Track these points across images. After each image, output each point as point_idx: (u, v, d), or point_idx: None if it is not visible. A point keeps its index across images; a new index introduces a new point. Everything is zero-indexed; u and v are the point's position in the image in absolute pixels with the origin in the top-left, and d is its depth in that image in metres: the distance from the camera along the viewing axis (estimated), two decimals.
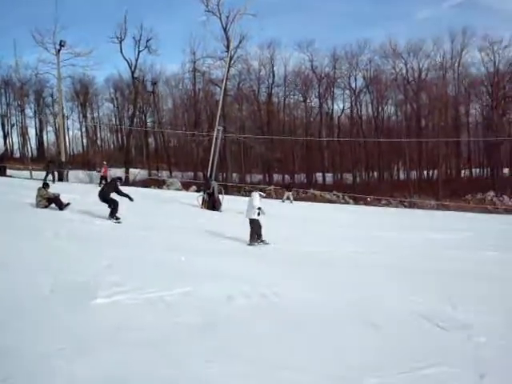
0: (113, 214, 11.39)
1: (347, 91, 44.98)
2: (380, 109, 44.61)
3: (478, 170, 45.42)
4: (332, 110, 45.55)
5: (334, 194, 39.40)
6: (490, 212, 33.84)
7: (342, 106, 46.09)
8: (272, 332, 4.49)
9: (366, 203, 36.10)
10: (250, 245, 10.04)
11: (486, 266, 10.28)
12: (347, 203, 36.73)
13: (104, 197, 11.60)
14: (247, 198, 11.70)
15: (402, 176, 44.10)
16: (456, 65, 43.08)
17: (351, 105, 44.90)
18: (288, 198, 25.24)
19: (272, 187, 39.63)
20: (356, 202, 36.81)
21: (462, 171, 44.74)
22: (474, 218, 25.52)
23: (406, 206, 37.59)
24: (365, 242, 12.18)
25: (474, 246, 13.54)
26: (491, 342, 4.63)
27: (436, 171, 42.49)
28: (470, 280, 8.19)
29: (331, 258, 9.53)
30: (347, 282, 7.03)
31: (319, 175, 44.28)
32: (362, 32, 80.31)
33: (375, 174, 44.76)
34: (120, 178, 13.01)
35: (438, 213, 30.31)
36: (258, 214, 10.27)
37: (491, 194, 39.93)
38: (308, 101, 45.24)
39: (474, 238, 16.05)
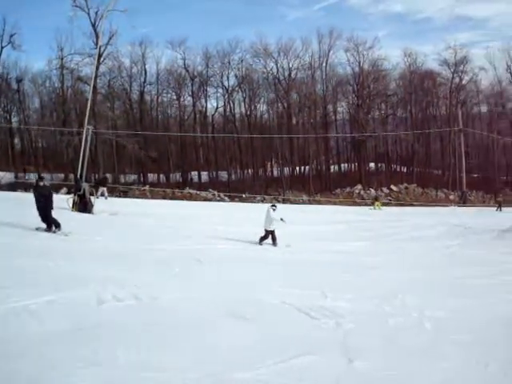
0: None
1: (220, 90, 53.69)
2: (253, 107, 54.05)
3: (346, 165, 57.37)
4: (206, 108, 54.11)
5: (210, 192, 48.03)
6: (358, 204, 44.93)
7: (215, 105, 54.70)
8: (144, 334, 5.13)
9: (242, 200, 44.69)
10: (267, 246, 14.05)
11: (356, 255, 13.24)
12: (223, 200, 45.08)
13: None
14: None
15: (275, 172, 54.18)
16: (324, 65, 54.16)
17: (224, 103, 53.59)
18: (102, 195, 26.50)
19: (147, 187, 47.22)
20: (231, 199, 44.97)
21: (332, 167, 56.21)
22: (345, 211, 32.50)
23: (279, 202, 47.59)
24: (240, 239, 14.64)
25: (345, 238, 17.35)
26: (358, 328, 5.85)
27: (307, 167, 53.38)
28: (340, 270, 10.45)
29: (204, 255, 11.01)
30: (219, 281, 8.34)
31: (195, 174, 52.31)
32: (234, 31, 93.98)
33: (250, 171, 54.08)
34: None
35: (309, 207, 39.65)
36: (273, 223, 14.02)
37: (359, 187, 51.51)
38: (181, 99, 52.97)
39: (346, 230, 20.37)
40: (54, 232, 12.36)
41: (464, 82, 55.11)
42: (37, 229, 12.44)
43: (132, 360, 4.41)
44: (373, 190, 50.69)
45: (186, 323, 5.68)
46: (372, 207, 37.05)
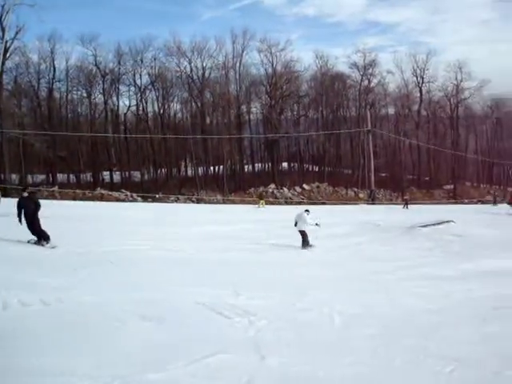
0: None
1: (132, 88, 60.09)
2: (166, 106, 61.16)
3: (259, 164, 66.28)
4: (118, 106, 60.27)
5: (122, 193, 53.18)
6: (272, 203, 53.20)
7: (127, 103, 60.83)
8: (50, 338, 5.58)
9: (155, 200, 50.34)
10: (303, 249, 16.16)
11: (267, 254, 15.06)
12: (135, 201, 50.42)
13: None
14: (295, 214, 17.55)
15: (189, 172, 61.69)
16: (237, 65, 62.21)
17: (137, 102, 60.01)
18: None
19: (56, 187, 52.68)
20: (145, 199, 50.49)
21: (246, 166, 64.76)
22: (258, 210, 37.05)
23: (193, 202, 54.80)
24: (158, 238, 16.54)
25: (258, 236, 19.06)
26: (270, 325, 6.73)
27: (221, 167, 61.44)
28: (252, 268, 11.95)
29: (118, 257, 12.04)
30: (131, 282, 9.16)
31: (106, 174, 58.30)
32: (148, 29, 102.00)
33: (163, 170, 61.05)
34: None
35: (223, 207, 45.12)
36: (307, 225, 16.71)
37: (272, 186, 60.30)
38: (92, 97, 58.76)
39: (260, 229, 22.16)
40: (43, 245, 12.91)
41: (372, 84, 65.86)
42: (29, 241, 13.13)
43: (36, 365, 4.77)
44: (286, 189, 60.04)
45: (95, 326, 6.17)
46: (258, 205, 41.42)
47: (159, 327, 6.45)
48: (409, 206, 43.52)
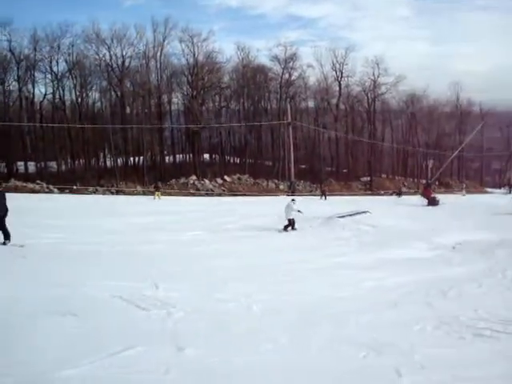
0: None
1: (49, 75, 61.11)
2: (84, 95, 63.09)
3: (181, 155, 69.72)
4: (33, 94, 61.29)
5: (38, 184, 54.26)
6: (193, 195, 56.22)
7: (43, 91, 61.82)
8: None
9: (72, 192, 51.66)
10: (284, 231, 19.90)
11: (189, 245, 15.72)
12: (51, 192, 51.50)
13: None
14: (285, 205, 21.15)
15: (108, 163, 64.07)
16: (158, 54, 64.73)
17: (53, 90, 61.12)
18: None
19: None
20: (61, 191, 51.74)
21: (167, 157, 68.02)
22: (178, 201, 39.61)
23: (113, 193, 56.51)
24: (76, 231, 17.32)
25: (177, 228, 20.11)
26: (188, 316, 7.16)
27: (142, 158, 64.17)
28: (173, 260, 12.71)
29: (30, 252, 12.52)
30: (44, 277, 9.50)
31: (21, 164, 59.43)
32: (65, 14, 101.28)
33: (81, 161, 62.98)
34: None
35: (144, 198, 46.60)
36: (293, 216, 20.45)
37: (193, 178, 63.60)
38: (6, 84, 59.08)
39: (178, 220, 23.12)
40: (5, 244, 13.28)
41: (293, 77, 70.75)
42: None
43: None
44: (207, 181, 63.72)
45: (6, 324, 6.34)
46: (154, 197, 43.09)
47: (74, 322, 6.68)
48: (327, 197, 47.52)
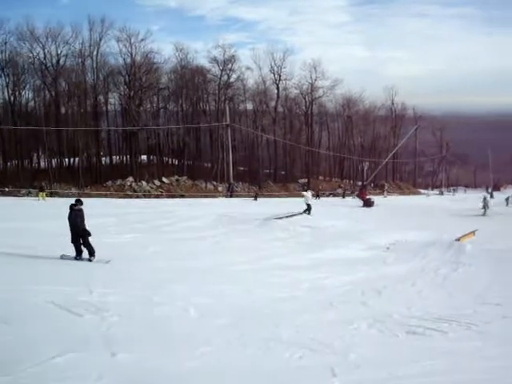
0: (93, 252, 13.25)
1: None
2: (17, 93, 62.32)
3: (117, 157, 70.01)
4: None
5: None
6: (130, 197, 55.95)
7: None
8: None
9: (5, 194, 50.27)
10: (308, 215, 27.13)
11: (128, 248, 15.46)
12: None
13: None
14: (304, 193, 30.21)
15: (42, 164, 63.57)
16: (95, 53, 64.78)
17: None
18: None
19: None
20: None
21: (103, 158, 68.05)
22: (117, 203, 39.11)
23: (47, 195, 55.19)
24: (6, 234, 16.46)
25: (116, 231, 19.74)
26: (123, 321, 7.15)
27: (77, 159, 64.02)
28: (109, 264, 12.55)
29: None
30: None
31: None
32: None
33: (13, 162, 62.19)
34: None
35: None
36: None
37: (130, 179, 63.95)
38: None
39: (117, 223, 22.67)
40: (90, 260, 13.32)
41: (232, 79, 72.38)
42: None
43: None
44: (144, 182, 64.28)
45: None
46: (38, 198, 41.46)
47: (5, 329, 6.55)
48: (257, 198, 49.90)
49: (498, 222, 31.16)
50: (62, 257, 13.38)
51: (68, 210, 13.32)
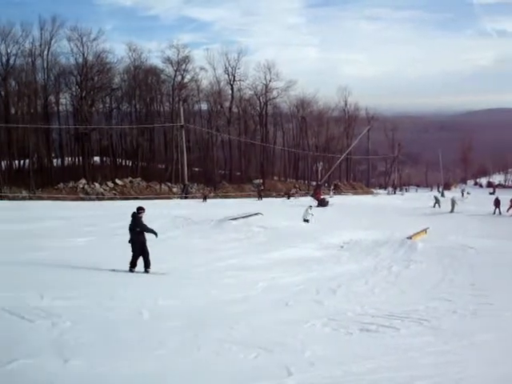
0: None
1: None
2: None
3: (69, 158, 69.52)
4: None
5: None
6: (82, 199, 55.44)
7: None
8: None
9: None
10: (305, 221, 27.35)
11: (80, 253, 15.53)
12: None
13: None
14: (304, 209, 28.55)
15: None
16: (45, 53, 63.93)
17: None
18: None
19: None
20: None
21: (55, 160, 67.39)
22: (66, 207, 38.33)
23: None
24: None
25: (67, 235, 19.91)
26: (76, 326, 7.03)
27: (27, 160, 63.13)
28: (62, 268, 12.41)
29: None
30: None
31: None
32: None
33: None
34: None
35: (30, 203, 44.64)
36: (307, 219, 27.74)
37: (83, 181, 63.26)
38: None
39: (65, 226, 22.85)
40: (147, 272, 12.81)
41: (186, 80, 72.63)
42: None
43: None
44: (97, 184, 63.79)
45: None
46: None
47: None
48: (207, 199, 50.98)
49: (450, 219, 32.79)
50: None
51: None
